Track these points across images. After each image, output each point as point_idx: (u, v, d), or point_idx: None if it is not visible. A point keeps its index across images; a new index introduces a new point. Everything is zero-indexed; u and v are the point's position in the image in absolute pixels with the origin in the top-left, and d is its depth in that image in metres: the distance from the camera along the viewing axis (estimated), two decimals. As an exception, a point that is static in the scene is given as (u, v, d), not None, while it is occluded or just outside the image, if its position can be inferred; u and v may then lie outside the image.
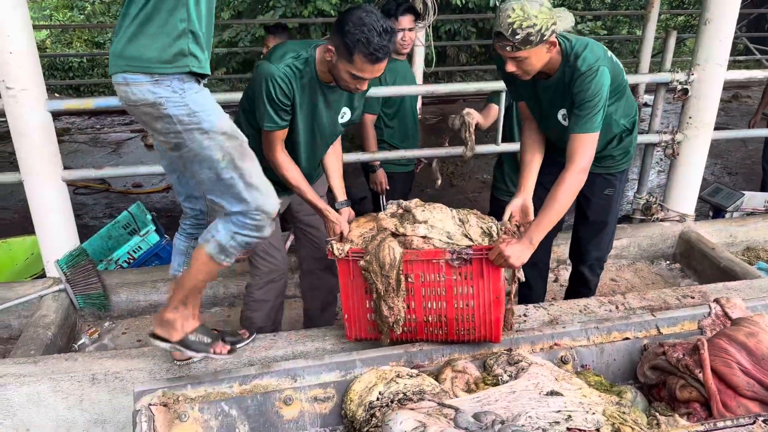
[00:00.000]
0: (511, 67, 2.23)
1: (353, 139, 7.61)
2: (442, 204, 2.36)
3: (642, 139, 3.65)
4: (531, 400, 1.99)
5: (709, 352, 2.08)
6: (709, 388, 1.99)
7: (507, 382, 2.13)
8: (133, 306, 3.21)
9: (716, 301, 2.48)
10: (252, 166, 2.00)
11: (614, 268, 3.69)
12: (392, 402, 2.03)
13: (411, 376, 2.13)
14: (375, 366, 2.16)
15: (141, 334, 3.08)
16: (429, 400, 2.04)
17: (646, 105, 9.25)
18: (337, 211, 2.43)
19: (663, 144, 3.58)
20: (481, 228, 2.26)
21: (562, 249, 3.65)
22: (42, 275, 3.32)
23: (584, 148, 2.24)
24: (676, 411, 2.08)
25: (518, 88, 2.52)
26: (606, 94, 2.25)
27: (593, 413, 1.93)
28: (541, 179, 2.51)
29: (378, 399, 2.05)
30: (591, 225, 2.81)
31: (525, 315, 2.60)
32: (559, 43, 2.26)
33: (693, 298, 2.72)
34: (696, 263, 3.54)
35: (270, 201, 2.01)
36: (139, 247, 3.54)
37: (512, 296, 2.37)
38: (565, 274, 3.66)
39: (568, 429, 1.87)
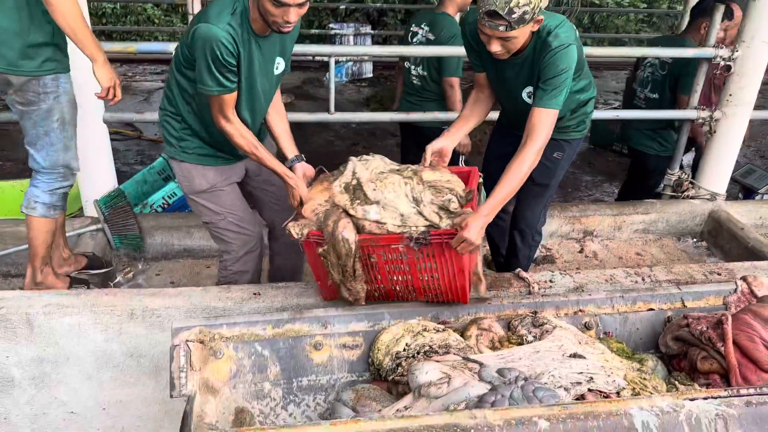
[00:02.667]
0: (495, 47, 2.19)
1: (382, 101, 7.60)
2: (399, 175, 2.26)
3: (679, 114, 3.61)
4: (554, 360, 2.04)
5: (733, 327, 2.11)
6: (730, 361, 2.03)
7: (531, 342, 2.19)
8: (167, 249, 3.30)
9: (743, 278, 2.49)
10: (74, 133, 2.51)
11: (640, 243, 3.70)
12: (418, 353, 2.10)
13: (437, 331, 2.19)
14: (403, 319, 2.23)
15: (174, 277, 3.18)
16: (454, 354, 2.11)
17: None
18: (291, 169, 2.37)
19: (700, 120, 3.54)
20: (436, 205, 2.19)
21: (590, 220, 3.67)
22: (79, 215, 3.42)
23: (544, 124, 2.24)
24: (696, 381, 2.12)
25: (483, 63, 2.49)
26: (571, 74, 2.26)
27: (614, 377, 1.98)
28: (499, 149, 2.74)
29: (405, 350, 2.12)
30: (532, 185, 2.64)
31: (551, 281, 2.64)
32: None
33: (719, 274, 2.73)
34: (723, 242, 3.54)
35: (76, 162, 2.55)
36: (174, 193, 3.62)
37: (479, 263, 2.35)
38: (591, 245, 3.69)
39: (589, 390, 1.93)
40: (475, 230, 2.04)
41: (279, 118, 2.53)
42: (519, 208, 2.91)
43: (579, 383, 1.93)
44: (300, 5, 2.09)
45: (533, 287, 2.51)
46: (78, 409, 2.41)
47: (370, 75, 9.09)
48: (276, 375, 2.14)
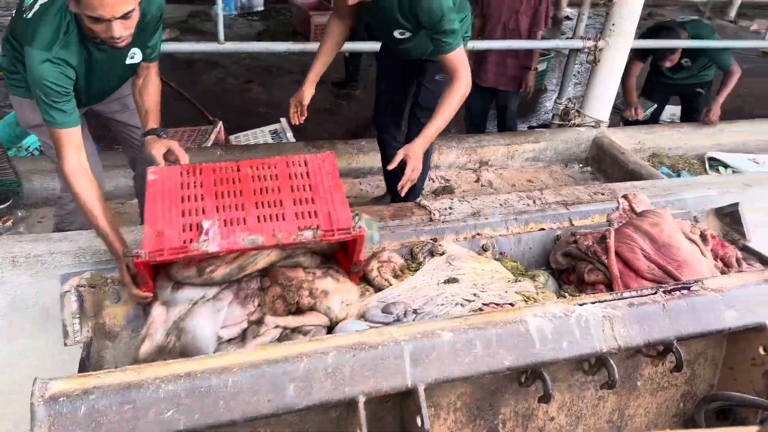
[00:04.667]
0: None
1: (275, 36, 7.28)
2: None
3: (566, 44, 3.74)
4: (431, 290, 2.11)
5: (617, 240, 2.27)
6: (612, 271, 2.19)
7: (429, 268, 2.25)
8: (48, 194, 3.07)
9: (624, 196, 2.67)
10: None
11: (531, 170, 3.87)
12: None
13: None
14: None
15: (58, 223, 2.97)
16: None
17: (567, 18, 9.41)
18: (144, 137, 2.18)
19: (586, 50, 3.69)
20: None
21: (485, 150, 3.77)
22: (-58, 161, 3.09)
23: (460, 63, 2.43)
24: (583, 292, 2.28)
25: None
26: (450, 6, 2.35)
27: (499, 292, 2.08)
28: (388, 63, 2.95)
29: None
30: (420, 110, 2.95)
31: (450, 208, 2.70)
32: None
33: (603, 194, 2.91)
34: (606, 166, 3.77)
35: None
36: (50, 134, 3.33)
37: None
38: (486, 174, 3.81)
39: (483, 304, 2.02)
40: (416, 162, 2.39)
41: (148, 92, 2.29)
42: (410, 134, 3.00)
43: (472, 301, 2.03)
44: (124, 17, 1.86)
45: (434, 214, 2.56)
46: (-40, 367, 2.25)
47: (262, 8, 8.70)
48: (180, 316, 2.08)
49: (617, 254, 2.24)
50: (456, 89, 2.45)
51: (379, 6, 2.45)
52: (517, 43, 3.85)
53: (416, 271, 2.25)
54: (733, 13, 10.27)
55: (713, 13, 9.91)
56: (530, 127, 5.55)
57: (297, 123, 2.68)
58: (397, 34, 2.57)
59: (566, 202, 2.83)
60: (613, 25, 3.59)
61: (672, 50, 3.82)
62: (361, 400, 1.22)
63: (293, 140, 4.05)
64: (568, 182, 3.81)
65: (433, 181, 3.69)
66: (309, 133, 4.19)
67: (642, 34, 4.03)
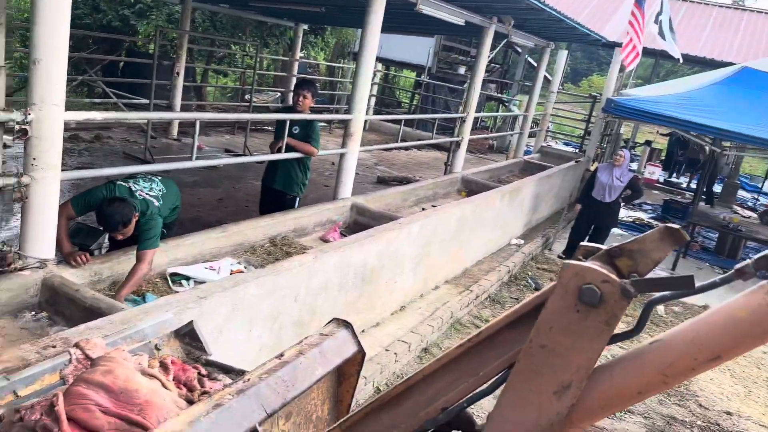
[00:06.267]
0: None
1: None
2: None
3: (-15, 183, 3.29)
4: None
5: (67, 403, 1.99)
6: (69, 442, 1.90)
7: None
8: None
9: (76, 345, 2.41)
10: None
11: (-30, 334, 3.21)
12: None
13: None
14: None
15: None
16: None
17: (6, 146, 8.63)
18: None
19: (9, 188, 3.31)
20: None
21: None
22: None
23: None
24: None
25: None
26: None
27: None
28: None
29: None
30: None
31: None
32: None
33: (55, 347, 2.58)
34: (64, 308, 3.43)
35: None
36: None
37: None
38: None
39: None
40: None
41: None
42: None
43: None
44: None
45: None
46: None
47: None
48: None
49: (71, 420, 1.96)
50: None
51: None
52: None
53: None
54: (175, 132, 11.31)
55: (157, 133, 10.68)
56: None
57: None
58: None
59: (8, 369, 2.39)
60: (34, 159, 3.33)
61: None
62: None
63: None
64: (22, 336, 3.29)
65: None
66: None
67: None
